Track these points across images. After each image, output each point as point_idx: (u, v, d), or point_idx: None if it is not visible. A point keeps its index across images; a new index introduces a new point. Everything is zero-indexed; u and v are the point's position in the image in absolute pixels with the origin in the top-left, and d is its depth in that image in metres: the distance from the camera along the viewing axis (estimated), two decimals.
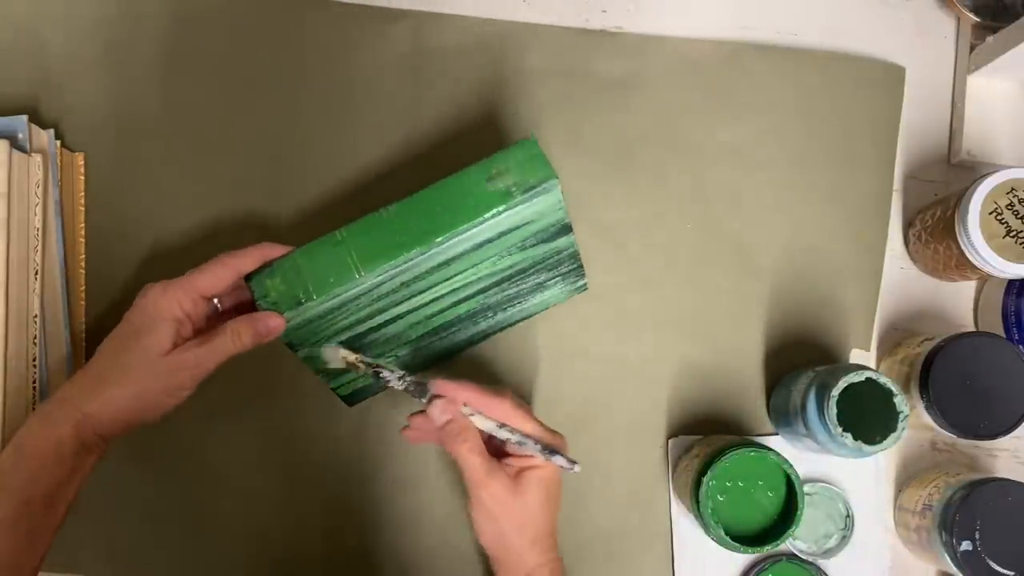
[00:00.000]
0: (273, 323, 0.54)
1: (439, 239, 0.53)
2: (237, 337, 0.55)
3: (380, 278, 0.54)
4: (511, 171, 0.54)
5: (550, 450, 0.56)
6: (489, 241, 0.56)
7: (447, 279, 0.58)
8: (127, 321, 0.56)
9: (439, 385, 0.56)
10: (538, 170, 0.54)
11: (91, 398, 0.54)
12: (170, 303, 0.55)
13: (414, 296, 0.58)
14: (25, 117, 0.65)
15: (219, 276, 0.56)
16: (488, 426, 0.56)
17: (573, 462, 0.57)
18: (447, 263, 0.56)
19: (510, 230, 0.56)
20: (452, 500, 0.67)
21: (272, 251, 0.56)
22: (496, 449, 0.58)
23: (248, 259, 0.55)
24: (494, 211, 0.53)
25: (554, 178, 0.54)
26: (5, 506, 0.52)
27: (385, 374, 0.57)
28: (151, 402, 0.55)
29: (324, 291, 0.53)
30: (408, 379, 0.57)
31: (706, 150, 0.71)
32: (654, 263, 0.70)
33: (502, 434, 0.56)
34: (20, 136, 0.65)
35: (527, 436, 0.56)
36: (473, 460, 0.55)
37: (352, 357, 0.58)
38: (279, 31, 0.72)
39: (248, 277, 0.55)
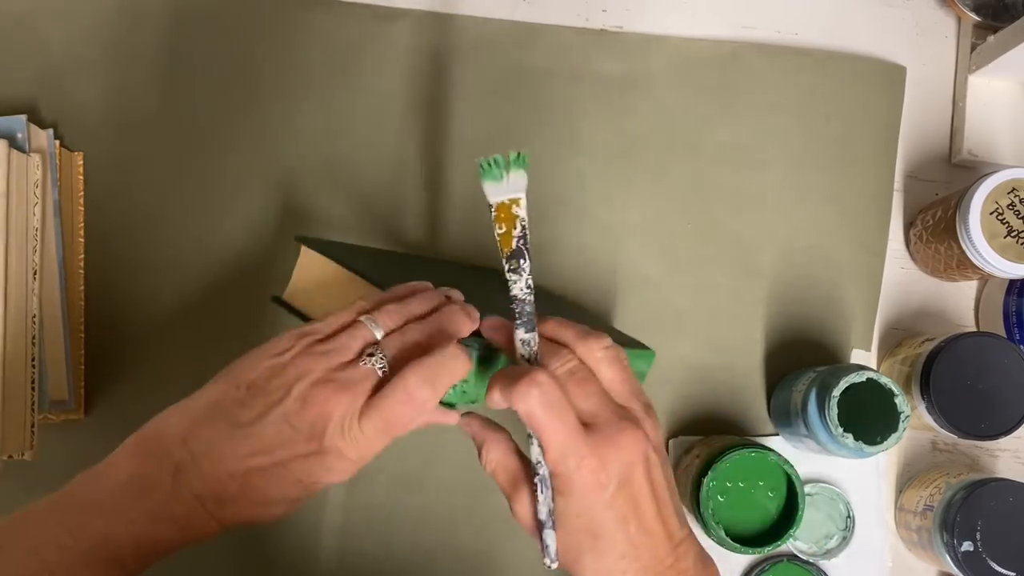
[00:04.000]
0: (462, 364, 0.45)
1: None
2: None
3: None
4: None
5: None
6: None
7: None
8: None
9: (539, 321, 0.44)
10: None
11: None
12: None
13: None
14: (24, 117, 0.65)
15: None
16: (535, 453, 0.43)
17: (549, 558, 0.43)
18: None
19: None
20: (453, 501, 0.67)
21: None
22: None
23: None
24: None
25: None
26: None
27: (524, 264, 0.43)
28: None
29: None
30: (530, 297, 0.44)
31: (706, 150, 0.71)
32: (654, 263, 0.70)
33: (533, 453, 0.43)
34: (19, 136, 0.65)
35: (541, 459, 0.42)
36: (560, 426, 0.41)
37: (521, 212, 0.43)
38: (279, 31, 0.72)
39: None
